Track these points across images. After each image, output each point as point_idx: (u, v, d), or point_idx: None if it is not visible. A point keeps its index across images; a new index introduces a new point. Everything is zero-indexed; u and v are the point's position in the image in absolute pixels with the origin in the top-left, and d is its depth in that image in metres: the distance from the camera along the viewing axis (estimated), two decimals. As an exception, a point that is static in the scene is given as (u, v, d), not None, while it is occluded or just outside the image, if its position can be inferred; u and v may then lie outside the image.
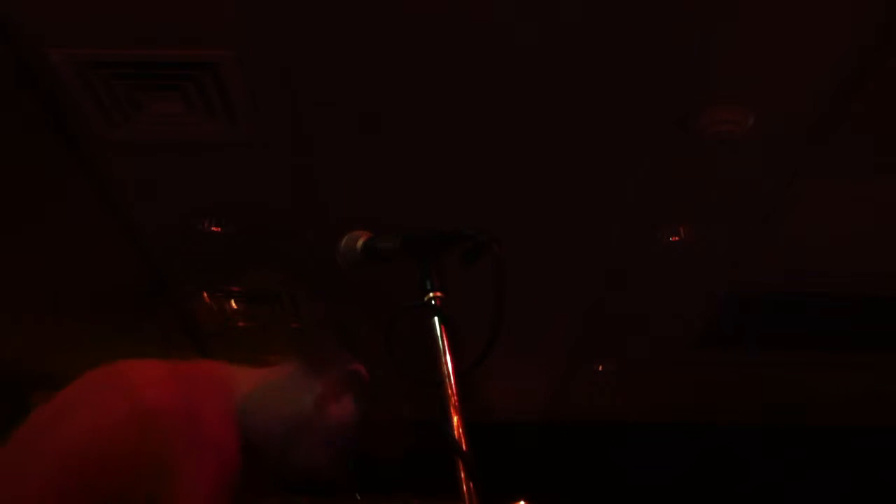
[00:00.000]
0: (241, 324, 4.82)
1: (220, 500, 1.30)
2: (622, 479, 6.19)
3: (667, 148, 3.10)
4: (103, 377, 1.40)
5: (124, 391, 1.34)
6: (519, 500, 6.17)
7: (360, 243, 1.26)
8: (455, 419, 1.08)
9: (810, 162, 3.19)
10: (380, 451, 1.61)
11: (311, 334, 1.62)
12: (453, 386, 1.09)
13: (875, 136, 3.06)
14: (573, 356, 5.18)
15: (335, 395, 1.47)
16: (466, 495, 1.04)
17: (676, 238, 3.75)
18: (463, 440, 1.07)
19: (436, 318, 1.13)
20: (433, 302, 1.15)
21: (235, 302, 4.60)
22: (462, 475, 1.05)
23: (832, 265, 4.02)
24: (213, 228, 3.67)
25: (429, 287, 1.16)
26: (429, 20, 2.52)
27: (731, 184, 3.36)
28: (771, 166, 3.23)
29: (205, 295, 4.49)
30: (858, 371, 5.37)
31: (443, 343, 1.12)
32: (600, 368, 5.43)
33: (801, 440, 6.31)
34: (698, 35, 2.56)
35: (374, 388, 1.50)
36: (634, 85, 2.79)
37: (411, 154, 3.18)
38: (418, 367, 1.17)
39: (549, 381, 5.62)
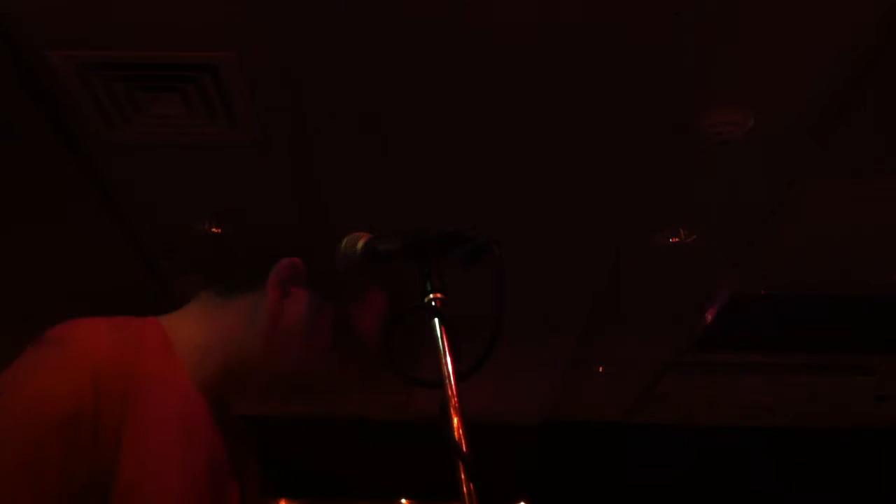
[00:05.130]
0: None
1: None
2: (622, 479, 6.20)
3: (667, 149, 3.10)
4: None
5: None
6: (519, 501, 6.18)
7: (360, 245, 1.26)
8: (455, 420, 1.08)
9: (810, 162, 3.19)
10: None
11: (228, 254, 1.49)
12: (453, 387, 1.09)
13: (875, 136, 3.06)
14: (574, 357, 5.18)
15: (279, 295, 1.33)
16: (466, 496, 1.04)
17: (677, 239, 3.75)
18: (463, 441, 1.07)
19: (436, 320, 1.13)
20: (433, 303, 1.15)
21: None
22: (462, 476, 1.05)
23: (833, 266, 4.02)
24: (214, 230, 3.68)
25: (429, 288, 1.16)
26: (429, 20, 2.52)
27: (731, 185, 3.36)
28: (771, 167, 3.23)
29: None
30: (859, 372, 5.37)
31: (443, 344, 1.12)
32: (601, 370, 5.43)
33: (801, 441, 6.32)
34: (699, 36, 2.56)
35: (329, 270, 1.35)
36: (635, 86, 2.79)
37: (412, 155, 3.19)
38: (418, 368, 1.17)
39: (549, 381, 5.62)
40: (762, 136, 2.98)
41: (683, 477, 6.12)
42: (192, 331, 1.32)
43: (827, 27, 2.53)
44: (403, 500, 6.38)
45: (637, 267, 4.03)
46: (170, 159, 3.23)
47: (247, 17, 2.50)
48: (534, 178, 3.32)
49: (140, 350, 1.23)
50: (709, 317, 4.58)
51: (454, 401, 1.08)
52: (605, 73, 2.73)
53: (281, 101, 2.88)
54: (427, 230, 1.21)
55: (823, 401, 5.85)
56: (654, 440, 6.31)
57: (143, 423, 1.16)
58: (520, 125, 3.00)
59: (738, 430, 6.31)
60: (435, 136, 3.07)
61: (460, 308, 1.16)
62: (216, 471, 1.29)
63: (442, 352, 1.11)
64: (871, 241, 3.78)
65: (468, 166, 3.24)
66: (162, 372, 1.23)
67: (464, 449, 1.06)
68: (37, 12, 2.48)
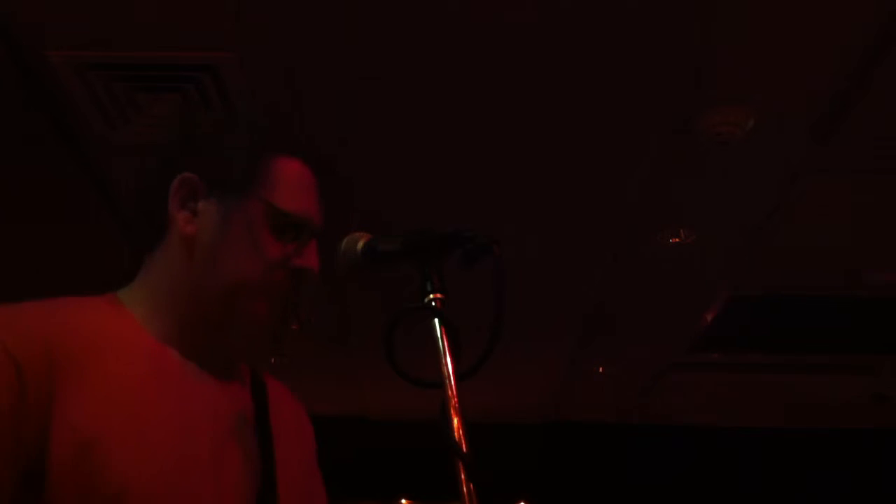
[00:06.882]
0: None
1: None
2: (622, 479, 6.20)
3: (667, 150, 3.10)
4: None
5: None
6: (519, 501, 6.18)
7: (359, 245, 1.26)
8: (455, 421, 1.08)
9: (810, 162, 3.19)
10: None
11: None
12: (453, 388, 1.09)
13: (875, 136, 3.06)
14: (574, 357, 5.18)
15: (188, 216, 1.27)
16: (466, 496, 1.04)
17: (677, 239, 3.75)
18: (463, 441, 1.07)
19: (436, 320, 1.13)
20: (433, 304, 1.15)
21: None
22: (462, 476, 1.05)
23: (833, 266, 4.02)
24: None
25: (429, 289, 1.16)
26: (430, 20, 2.52)
27: (731, 185, 3.36)
28: (771, 167, 3.23)
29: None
30: (859, 372, 5.37)
31: (443, 345, 1.12)
32: (601, 370, 5.43)
33: (801, 441, 6.32)
34: (699, 37, 2.56)
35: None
36: (636, 87, 2.79)
37: (412, 155, 3.19)
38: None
39: (549, 382, 5.62)
40: (762, 136, 2.98)
41: (683, 477, 6.12)
42: (140, 293, 1.31)
43: (827, 27, 2.53)
44: (403, 501, 6.38)
45: (637, 267, 4.03)
46: (170, 159, 3.23)
47: (247, 17, 2.50)
48: (534, 179, 3.32)
49: (97, 322, 1.23)
50: (708, 317, 4.58)
51: (454, 401, 1.08)
52: (605, 73, 2.73)
53: (281, 101, 2.88)
54: (427, 230, 1.21)
55: (823, 401, 5.85)
56: (654, 440, 6.31)
57: (99, 386, 1.15)
58: (521, 126, 3.00)
59: (738, 430, 6.31)
60: (436, 136, 3.07)
61: (460, 308, 1.16)
62: (202, 418, 1.23)
63: (442, 352, 1.11)
64: (870, 241, 3.78)
65: (470, 166, 3.24)
66: (122, 336, 1.23)
67: (464, 449, 1.06)
68: (37, 12, 2.48)
